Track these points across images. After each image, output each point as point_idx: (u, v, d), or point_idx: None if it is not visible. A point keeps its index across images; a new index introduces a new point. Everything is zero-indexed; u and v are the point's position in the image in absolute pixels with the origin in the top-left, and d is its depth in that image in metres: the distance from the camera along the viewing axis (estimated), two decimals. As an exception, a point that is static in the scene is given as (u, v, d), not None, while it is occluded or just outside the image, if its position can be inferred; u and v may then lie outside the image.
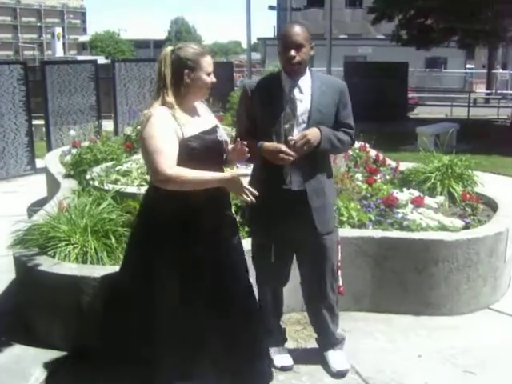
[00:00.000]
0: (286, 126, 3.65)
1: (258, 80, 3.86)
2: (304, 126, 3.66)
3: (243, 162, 3.67)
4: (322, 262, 3.86)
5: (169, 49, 3.34)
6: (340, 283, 4.05)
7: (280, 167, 3.63)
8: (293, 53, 3.59)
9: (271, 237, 3.77)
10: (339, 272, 4.03)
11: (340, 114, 3.79)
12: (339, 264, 4.02)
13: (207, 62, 3.32)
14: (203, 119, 3.41)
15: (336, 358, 4.05)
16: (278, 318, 4.15)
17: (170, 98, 3.25)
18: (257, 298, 3.78)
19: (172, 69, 3.27)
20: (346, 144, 3.84)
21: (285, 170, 3.65)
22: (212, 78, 3.36)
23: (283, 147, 3.54)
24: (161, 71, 3.29)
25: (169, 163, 3.11)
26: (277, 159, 3.55)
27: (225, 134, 3.50)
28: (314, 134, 3.59)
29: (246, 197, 3.20)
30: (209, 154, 3.28)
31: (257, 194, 3.21)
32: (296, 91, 3.69)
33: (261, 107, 3.69)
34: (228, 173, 3.33)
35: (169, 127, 3.18)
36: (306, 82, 3.71)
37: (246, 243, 3.91)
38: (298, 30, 3.60)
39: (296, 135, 3.61)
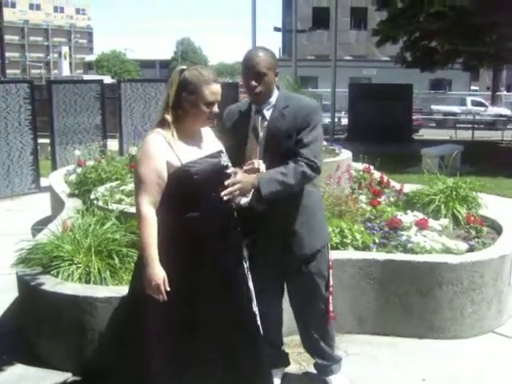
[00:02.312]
0: (251, 155, 3.52)
1: (232, 108, 3.75)
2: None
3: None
4: (309, 290, 3.77)
5: (178, 68, 3.27)
6: (331, 309, 3.87)
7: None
8: (254, 83, 3.47)
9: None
10: (330, 297, 3.85)
11: (300, 142, 3.49)
12: (331, 289, 3.85)
13: (210, 91, 3.19)
14: (206, 143, 3.33)
15: (339, 382, 4.00)
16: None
17: (169, 120, 3.21)
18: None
19: (176, 89, 3.21)
20: (296, 175, 3.43)
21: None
22: (213, 109, 3.23)
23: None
24: (167, 90, 3.27)
25: (144, 199, 3.13)
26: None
27: (227, 158, 3.40)
28: (245, 181, 3.31)
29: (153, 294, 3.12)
30: (213, 177, 3.22)
31: (165, 297, 3.09)
32: (259, 118, 3.59)
33: (229, 134, 3.57)
34: (151, 269, 3.10)
35: (157, 159, 3.12)
36: (268, 106, 3.59)
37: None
38: (258, 59, 3.45)
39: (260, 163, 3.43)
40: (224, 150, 3.40)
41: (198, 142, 3.31)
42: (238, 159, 3.46)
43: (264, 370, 3.55)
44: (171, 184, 3.16)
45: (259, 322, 3.50)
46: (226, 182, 3.25)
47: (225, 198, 3.23)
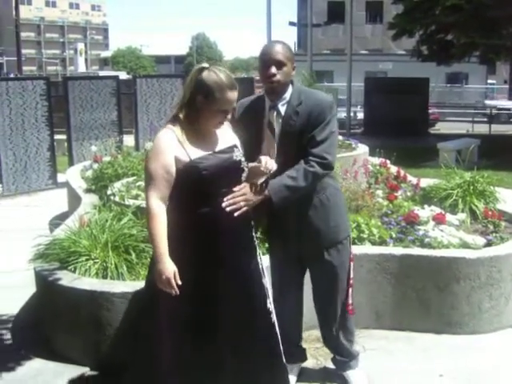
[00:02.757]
0: (270, 150, 3.53)
1: (244, 101, 3.71)
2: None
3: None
4: (330, 281, 3.77)
5: (198, 67, 3.21)
6: (350, 302, 3.87)
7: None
8: (273, 70, 3.42)
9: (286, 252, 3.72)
10: (350, 290, 3.86)
11: (313, 139, 3.47)
12: (351, 282, 3.86)
13: (225, 100, 3.13)
14: (220, 139, 3.30)
15: (357, 377, 3.99)
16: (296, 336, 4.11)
17: (181, 117, 3.21)
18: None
19: (192, 89, 3.18)
20: (307, 179, 3.44)
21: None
22: (226, 116, 3.21)
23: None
24: (184, 87, 3.26)
25: (153, 194, 3.16)
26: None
27: (242, 153, 3.36)
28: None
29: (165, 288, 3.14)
30: (223, 173, 3.19)
31: (176, 291, 3.10)
32: (274, 114, 3.57)
33: (243, 129, 3.50)
34: (162, 264, 3.12)
35: (167, 155, 3.14)
36: (283, 102, 3.56)
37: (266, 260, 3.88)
38: (279, 49, 3.45)
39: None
40: (239, 145, 3.37)
41: (211, 139, 3.28)
42: (254, 154, 3.44)
43: (278, 370, 3.51)
44: (181, 180, 3.16)
45: (274, 319, 3.47)
46: (230, 197, 3.21)
47: (227, 209, 3.20)
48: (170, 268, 3.12)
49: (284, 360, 3.54)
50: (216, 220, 3.18)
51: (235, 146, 3.33)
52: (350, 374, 4.00)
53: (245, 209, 3.25)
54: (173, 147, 3.15)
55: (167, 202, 3.19)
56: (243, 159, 3.33)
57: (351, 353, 4.02)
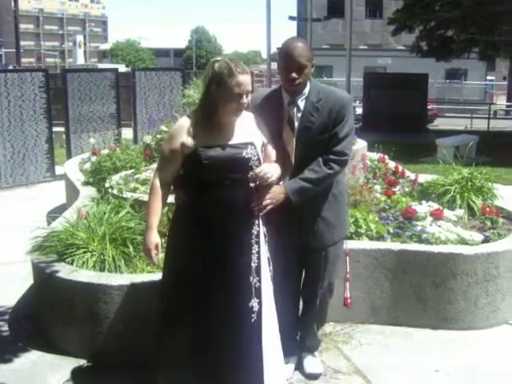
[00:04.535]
0: (288, 145, 3.59)
1: (259, 95, 3.76)
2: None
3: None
4: (318, 270, 3.85)
5: (212, 60, 3.34)
6: (348, 295, 4.02)
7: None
8: (294, 75, 3.49)
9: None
10: (347, 284, 4.01)
11: (334, 137, 3.57)
12: (348, 276, 4.01)
13: (236, 83, 3.22)
14: (235, 134, 3.37)
15: (314, 364, 4.12)
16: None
17: (197, 108, 3.40)
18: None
19: (207, 81, 3.31)
20: (325, 179, 3.58)
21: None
22: (242, 101, 3.27)
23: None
24: (202, 81, 3.43)
25: (158, 172, 3.49)
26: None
27: (257, 152, 3.38)
28: (275, 194, 3.43)
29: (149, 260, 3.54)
30: (227, 166, 3.28)
31: (155, 262, 3.50)
32: (294, 109, 3.62)
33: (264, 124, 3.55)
34: (147, 235, 3.47)
35: (176, 140, 3.36)
36: (302, 97, 3.62)
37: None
38: (300, 51, 3.49)
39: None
40: (257, 144, 3.40)
41: (226, 132, 3.37)
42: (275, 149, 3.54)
43: (254, 367, 3.43)
44: (186, 166, 3.38)
45: (256, 318, 3.40)
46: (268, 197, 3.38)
47: (255, 210, 3.36)
48: (152, 240, 3.44)
49: (263, 359, 3.43)
50: (212, 209, 3.30)
51: (250, 144, 3.38)
52: (309, 359, 4.11)
53: (270, 207, 3.40)
54: (182, 133, 3.34)
55: (170, 181, 3.46)
56: (255, 157, 3.36)
57: (316, 338, 4.16)
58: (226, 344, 3.36)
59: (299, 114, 3.62)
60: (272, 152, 3.52)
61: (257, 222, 3.43)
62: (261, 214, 3.40)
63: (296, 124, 3.62)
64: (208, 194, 3.30)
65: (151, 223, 3.46)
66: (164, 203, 3.52)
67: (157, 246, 3.46)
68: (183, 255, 3.38)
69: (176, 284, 3.40)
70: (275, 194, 3.44)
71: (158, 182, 3.46)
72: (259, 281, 3.42)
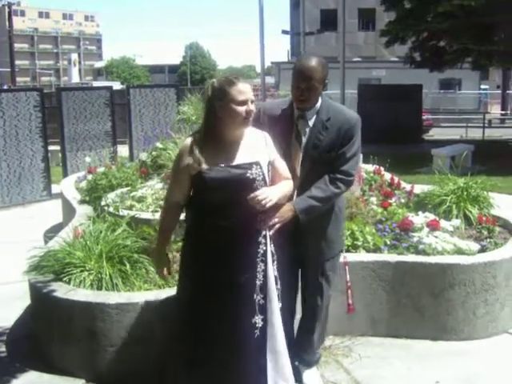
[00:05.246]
0: (294, 161, 3.63)
1: (269, 105, 3.82)
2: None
3: None
4: (314, 285, 3.88)
5: (211, 81, 3.37)
6: (350, 301, 4.05)
7: None
8: (304, 95, 3.53)
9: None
10: (349, 291, 4.05)
11: (342, 157, 3.60)
12: (349, 284, 4.05)
13: (237, 91, 3.24)
14: (241, 153, 3.35)
15: (312, 377, 4.08)
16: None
17: (200, 129, 3.40)
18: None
19: (208, 98, 3.32)
20: (331, 198, 3.64)
21: None
22: (248, 107, 3.26)
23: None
24: (203, 102, 3.48)
25: (169, 195, 3.56)
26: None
27: (262, 171, 3.35)
28: (283, 212, 3.46)
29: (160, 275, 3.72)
30: (230, 187, 3.25)
31: (167, 276, 3.70)
32: (302, 123, 3.64)
33: (271, 135, 3.55)
34: (156, 255, 3.73)
35: (182, 161, 3.36)
36: (312, 113, 3.64)
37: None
38: (313, 72, 3.50)
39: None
40: (263, 163, 3.38)
41: (231, 151, 3.34)
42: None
43: (257, 381, 3.46)
44: (193, 186, 3.40)
45: (260, 334, 3.41)
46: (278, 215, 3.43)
47: (267, 228, 3.39)
48: (160, 263, 3.66)
49: (268, 376, 3.46)
50: (216, 230, 3.29)
51: (255, 163, 3.34)
52: (307, 373, 4.08)
53: (278, 226, 3.43)
54: (187, 154, 3.33)
55: (181, 201, 3.47)
56: (260, 177, 3.34)
57: (316, 353, 4.13)
58: (228, 358, 3.36)
59: (307, 129, 3.64)
60: (280, 167, 3.50)
61: (264, 240, 3.40)
62: (269, 233, 3.39)
63: (304, 139, 3.64)
64: (213, 213, 3.28)
65: (160, 241, 3.65)
66: (175, 222, 3.61)
67: (165, 267, 3.64)
68: (189, 274, 3.43)
69: (186, 302, 3.45)
70: (283, 212, 3.46)
71: (168, 201, 3.55)
72: (264, 298, 3.41)
